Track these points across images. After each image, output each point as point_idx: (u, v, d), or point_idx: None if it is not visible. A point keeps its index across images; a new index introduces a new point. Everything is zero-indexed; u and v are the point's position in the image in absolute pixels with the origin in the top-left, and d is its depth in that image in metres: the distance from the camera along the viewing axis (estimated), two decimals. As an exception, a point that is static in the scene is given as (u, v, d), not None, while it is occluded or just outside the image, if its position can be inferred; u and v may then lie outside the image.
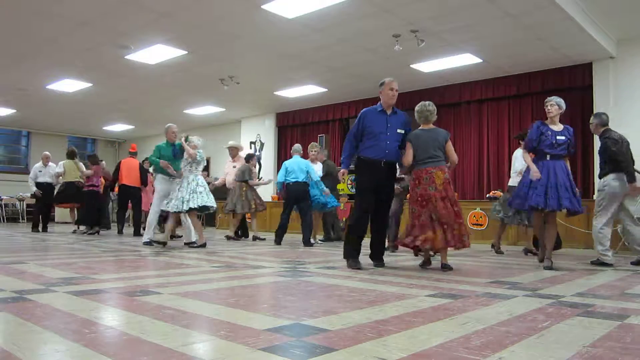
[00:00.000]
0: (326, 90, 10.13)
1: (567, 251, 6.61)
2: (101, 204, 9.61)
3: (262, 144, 12.85)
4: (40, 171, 9.43)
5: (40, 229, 9.47)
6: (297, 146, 7.53)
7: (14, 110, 12.65)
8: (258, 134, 12.94)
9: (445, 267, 4.23)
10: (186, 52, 7.76)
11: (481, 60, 7.95)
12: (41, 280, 3.28)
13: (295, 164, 7.16)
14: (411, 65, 8.28)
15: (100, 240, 7.47)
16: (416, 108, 4.58)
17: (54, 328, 2.00)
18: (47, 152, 9.75)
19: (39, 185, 9.36)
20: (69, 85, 9.92)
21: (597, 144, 5.80)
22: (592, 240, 7.27)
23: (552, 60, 7.92)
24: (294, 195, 7.09)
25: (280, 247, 6.72)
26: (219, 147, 12.22)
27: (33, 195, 9.66)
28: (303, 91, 10.28)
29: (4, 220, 14.09)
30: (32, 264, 4.24)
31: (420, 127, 4.54)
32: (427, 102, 4.55)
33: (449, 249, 4.32)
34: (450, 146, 4.47)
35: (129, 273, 3.82)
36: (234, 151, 8.56)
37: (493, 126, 9.24)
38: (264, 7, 5.98)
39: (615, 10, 6.52)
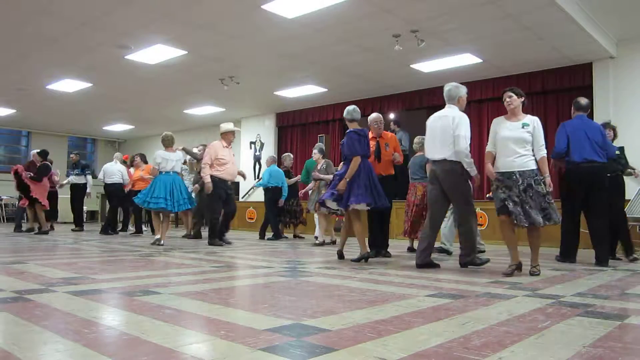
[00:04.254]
0: (326, 90, 10.12)
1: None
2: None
3: (262, 144, 12.84)
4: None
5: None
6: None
7: (14, 110, 12.65)
8: (258, 134, 12.94)
9: None
10: (186, 52, 7.75)
11: (481, 60, 7.95)
12: (41, 280, 3.28)
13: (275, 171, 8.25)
14: (411, 65, 8.28)
15: (101, 240, 7.48)
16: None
17: (54, 328, 2.00)
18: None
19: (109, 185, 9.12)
20: (69, 85, 9.91)
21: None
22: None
23: (552, 60, 7.92)
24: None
25: (281, 247, 6.72)
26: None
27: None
28: (303, 91, 10.28)
29: (4, 220, 14.07)
30: (32, 264, 4.25)
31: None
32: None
33: None
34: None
35: (129, 273, 3.83)
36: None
37: (493, 126, 9.23)
38: (264, 7, 5.98)
39: (615, 10, 6.52)
